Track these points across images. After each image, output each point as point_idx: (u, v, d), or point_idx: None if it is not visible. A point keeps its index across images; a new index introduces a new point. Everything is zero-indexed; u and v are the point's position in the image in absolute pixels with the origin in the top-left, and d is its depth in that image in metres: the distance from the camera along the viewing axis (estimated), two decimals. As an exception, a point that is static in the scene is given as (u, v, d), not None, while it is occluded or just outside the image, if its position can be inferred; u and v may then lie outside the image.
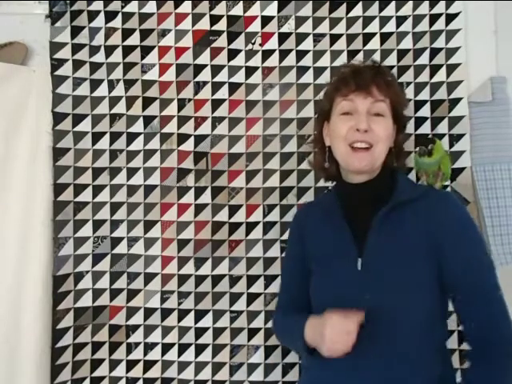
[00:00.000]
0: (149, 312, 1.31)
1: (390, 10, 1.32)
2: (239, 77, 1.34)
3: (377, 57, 1.31)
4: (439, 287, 0.88)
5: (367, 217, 0.92)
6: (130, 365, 1.31)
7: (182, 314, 1.31)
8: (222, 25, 1.34)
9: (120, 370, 1.31)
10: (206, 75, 1.34)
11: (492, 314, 0.84)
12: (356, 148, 0.91)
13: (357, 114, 0.92)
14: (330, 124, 0.98)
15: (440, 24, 1.31)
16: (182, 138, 1.33)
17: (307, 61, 1.33)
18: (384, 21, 1.33)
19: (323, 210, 1.03)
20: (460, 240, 0.88)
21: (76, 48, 1.32)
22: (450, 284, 0.88)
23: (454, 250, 0.87)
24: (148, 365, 1.31)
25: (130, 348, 1.31)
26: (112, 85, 1.33)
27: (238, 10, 1.34)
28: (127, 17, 1.33)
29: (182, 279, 1.32)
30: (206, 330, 1.31)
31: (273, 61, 1.34)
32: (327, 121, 1.00)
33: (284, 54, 1.33)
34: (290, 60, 1.33)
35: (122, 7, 1.33)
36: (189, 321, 1.31)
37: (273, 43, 1.34)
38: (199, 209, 1.33)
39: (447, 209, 0.90)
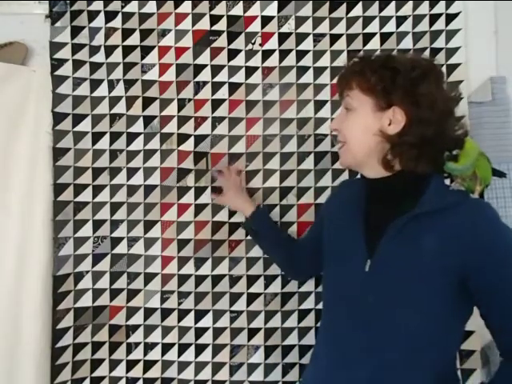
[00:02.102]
0: (149, 312, 1.31)
1: (389, 10, 1.32)
2: (239, 77, 1.34)
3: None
4: (454, 297, 0.82)
5: (385, 219, 0.87)
6: (130, 365, 1.31)
7: (182, 314, 1.31)
8: (221, 25, 1.33)
9: (120, 370, 1.31)
10: (206, 75, 1.34)
11: None
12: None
13: None
14: None
15: (440, 24, 1.31)
16: (182, 138, 1.33)
17: (307, 61, 1.33)
18: (384, 21, 1.33)
19: (351, 195, 1.00)
20: (489, 260, 0.79)
21: (76, 48, 1.32)
22: (478, 301, 0.82)
23: (482, 271, 0.79)
24: (148, 365, 1.31)
25: (129, 348, 1.31)
26: (112, 85, 1.33)
27: (237, 10, 1.34)
28: (127, 17, 1.33)
29: (182, 279, 1.32)
30: (206, 329, 1.31)
31: (273, 61, 1.33)
32: None
33: (284, 53, 1.33)
34: (290, 60, 1.33)
35: (122, 7, 1.33)
36: (189, 321, 1.31)
37: (273, 43, 1.34)
38: (199, 209, 1.33)
39: (478, 221, 0.80)
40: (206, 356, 1.31)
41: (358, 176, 1.10)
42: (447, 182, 0.95)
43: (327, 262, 1.00)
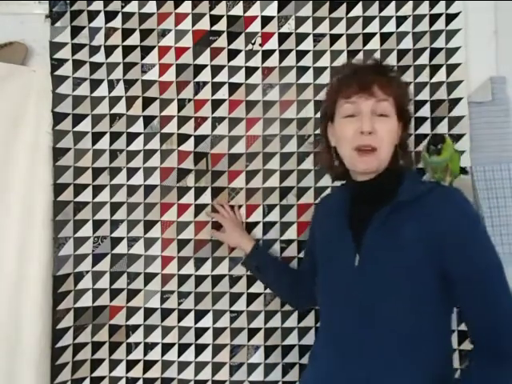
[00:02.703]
0: (149, 312, 1.31)
1: (390, 10, 1.32)
2: (239, 77, 1.34)
3: (377, 57, 1.31)
4: (441, 289, 0.85)
5: (368, 215, 0.91)
6: (130, 365, 1.31)
7: (182, 313, 1.31)
8: (221, 25, 1.34)
9: (120, 370, 1.31)
10: (206, 75, 1.34)
11: (500, 319, 0.81)
12: (362, 150, 0.91)
13: (361, 115, 0.90)
14: (335, 126, 0.97)
15: (440, 24, 1.31)
16: (182, 138, 1.33)
17: (307, 61, 1.33)
18: (384, 21, 1.33)
19: (334, 203, 1.05)
20: (462, 241, 0.83)
21: (76, 48, 1.32)
22: (454, 287, 0.84)
23: (456, 252, 0.83)
24: (148, 365, 1.31)
25: (130, 348, 1.31)
26: (112, 85, 1.33)
27: (237, 10, 1.34)
28: (127, 17, 1.33)
29: (182, 279, 1.32)
30: (206, 330, 1.31)
31: (273, 61, 1.34)
32: (331, 122, 0.99)
33: (284, 54, 1.33)
34: (290, 60, 1.33)
35: (122, 7, 1.33)
36: (189, 321, 1.31)
37: (273, 43, 1.34)
38: (199, 209, 1.33)
39: (449, 207, 0.86)
40: (206, 356, 1.31)
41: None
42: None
43: (320, 266, 1.02)
